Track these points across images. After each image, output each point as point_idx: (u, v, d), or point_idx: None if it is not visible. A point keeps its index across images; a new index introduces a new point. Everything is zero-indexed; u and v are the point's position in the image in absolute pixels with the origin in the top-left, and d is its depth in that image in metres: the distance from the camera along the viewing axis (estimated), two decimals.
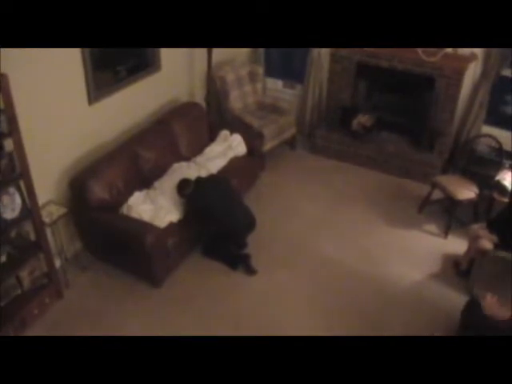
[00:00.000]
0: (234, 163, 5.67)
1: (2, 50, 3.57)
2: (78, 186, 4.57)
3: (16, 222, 3.94)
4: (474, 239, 4.68)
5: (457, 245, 5.18)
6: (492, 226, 4.64)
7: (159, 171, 5.19)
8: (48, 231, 4.35)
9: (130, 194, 4.81)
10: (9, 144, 3.71)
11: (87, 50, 4.49)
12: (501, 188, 5.23)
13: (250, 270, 4.86)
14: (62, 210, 4.48)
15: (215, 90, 6.47)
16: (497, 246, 4.46)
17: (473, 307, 3.89)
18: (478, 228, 4.73)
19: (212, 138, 5.95)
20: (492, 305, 3.60)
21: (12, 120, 3.58)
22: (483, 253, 4.47)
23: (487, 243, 4.50)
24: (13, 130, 3.61)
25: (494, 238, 4.50)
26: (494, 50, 5.54)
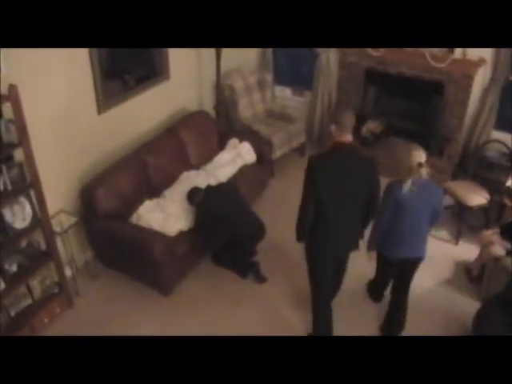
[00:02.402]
0: (244, 171, 5.67)
1: (13, 61, 3.61)
2: (87, 195, 4.59)
3: (26, 231, 3.97)
4: (486, 245, 4.64)
5: (468, 251, 5.14)
6: (505, 233, 4.60)
7: (169, 180, 5.21)
8: (58, 240, 4.37)
9: (140, 202, 4.82)
10: (19, 154, 3.75)
11: (96, 59, 4.52)
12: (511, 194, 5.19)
13: (260, 278, 4.85)
14: (73, 219, 4.50)
15: (224, 98, 6.49)
16: (509, 253, 4.42)
17: (486, 314, 3.86)
18: (490, 234, 4.70)
19: (221, 146, 5.95)
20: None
21: (22, 130, 3.61)
22: (495, 259, 4.43)
23: (499, 249, 4.46)
24: (23, 139, 3.64)
25: (508, 244, 4.46)
26: (503, 55, 5.51)
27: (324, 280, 3.92)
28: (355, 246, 3.90)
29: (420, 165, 3.64)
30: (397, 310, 4.22)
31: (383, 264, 4.19)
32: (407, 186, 3.66)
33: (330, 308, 4.02)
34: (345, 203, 3.59)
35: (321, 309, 4.03)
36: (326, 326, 4.04)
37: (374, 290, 4.66)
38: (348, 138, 3.51)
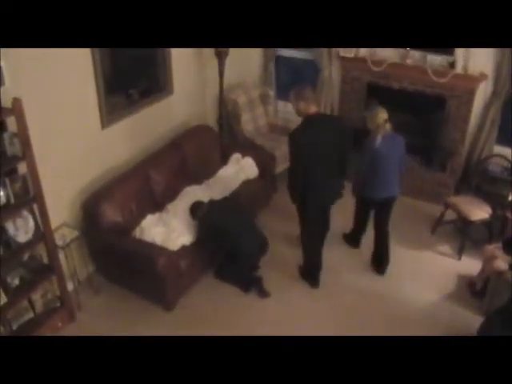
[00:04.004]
0: (246, 185, 5.68)
1: (17, 74, 3.63)
2: (90, 208, 4.60)
3: (29, 244, 3.97)
4: (489, 260, 4.63)
5: (471, 265, 5.12)
6: (507, 247, 4.59)
7: (171, 194, 5.21)
8: (61, 254, 4.37)
9: (143, 216, 4.82)
10: (22, 167, 3.76)
11: (100, 73, 4.56)
12: None
13: (263, 293, 4.83)
14: (75, 233, 4.50)
15: (227, 112, 6.52)
16: None
17: (488, 327, 3.84)
18: (493, 248, 4.69)
19: (224, 160, 5.97)
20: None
21: (26, 143, 3.63)
22: (498, 273, 4.42)
23: (502, 264, 4.44)
24: (26, 153, 3.66)
25: (510, 258, 4.44)
26: (504, 70, 5.53)
27: (314, 224, 4.75)
28: (339, 195, 4.71)
29: (386, 121, 4.49)
30: (383, 237, 5.01)
31: (364, 207, 5.02)
32: (378, 140, 4.48)
33: (321, 244, 4.96)
34: (325, 161, 4.37)
35: (311, 244, 4.87)
36: (316, 258, 4.90)
37: (353, 237, 5.45)
38: (314, 108, 4.33)
